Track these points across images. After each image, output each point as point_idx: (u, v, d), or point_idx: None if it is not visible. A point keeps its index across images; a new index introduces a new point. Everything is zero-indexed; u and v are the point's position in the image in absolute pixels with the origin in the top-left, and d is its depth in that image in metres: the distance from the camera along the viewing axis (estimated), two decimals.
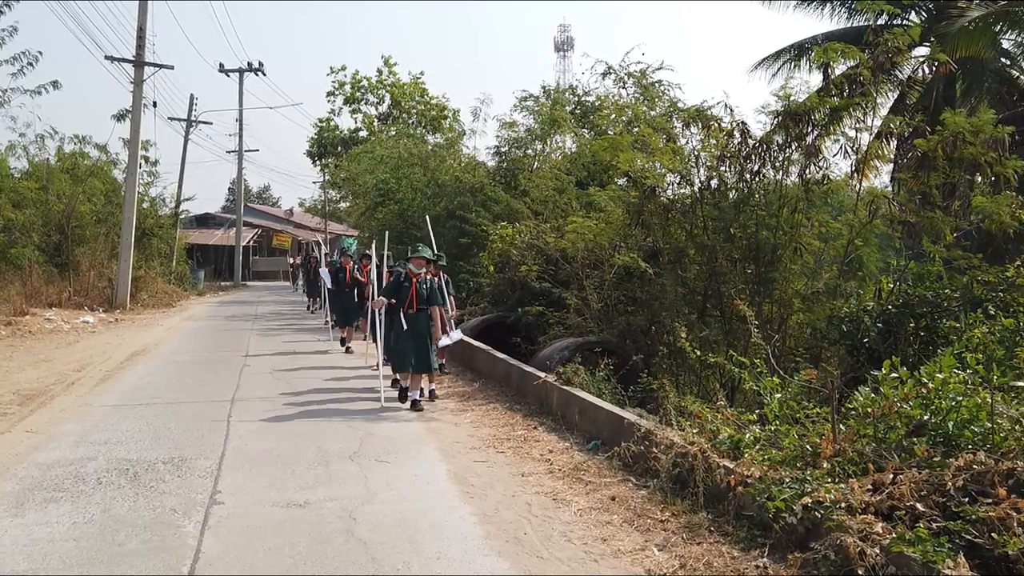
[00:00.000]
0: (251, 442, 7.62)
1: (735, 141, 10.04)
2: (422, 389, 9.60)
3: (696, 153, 10.49)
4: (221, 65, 39.33)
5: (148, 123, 24.41)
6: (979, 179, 10.27)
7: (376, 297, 10.12)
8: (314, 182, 53.83)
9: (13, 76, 23.15)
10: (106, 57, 24.07)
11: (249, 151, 45.09)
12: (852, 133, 10.11)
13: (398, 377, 9.84)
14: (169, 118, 37.66)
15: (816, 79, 17.08)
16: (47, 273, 23.59)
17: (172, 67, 25.06)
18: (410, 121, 38.91)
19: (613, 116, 18.26)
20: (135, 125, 23.92)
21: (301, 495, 5.97)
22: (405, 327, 9.33)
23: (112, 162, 29.74)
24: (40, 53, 23.14)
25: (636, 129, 13.79)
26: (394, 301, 9.41)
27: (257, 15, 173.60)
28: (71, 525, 5.33)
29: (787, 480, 4.88)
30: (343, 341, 14.91)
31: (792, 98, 9.90)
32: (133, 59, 23.64)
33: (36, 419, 8.72)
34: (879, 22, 14.28)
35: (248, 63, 40.02)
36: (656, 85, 18.16)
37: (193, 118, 37.25)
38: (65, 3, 57.56)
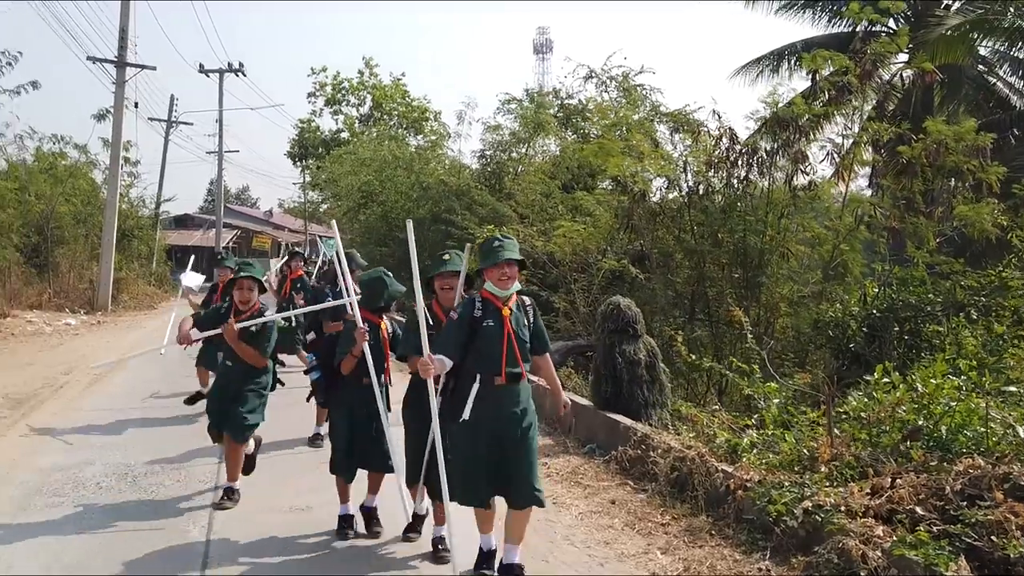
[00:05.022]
0: None
1: (723, 146, 10.18)
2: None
3: (684, 158, 10.63)
4: (201, 66, 39.04)
5: (129, 124, 24.29)
6: (959, 184, 10.46)
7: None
8: (294, 183, 53.63)
9: None
10: (88, 58, 23.99)
11: (229, 151, 44.90)
12: (838, 139, 10.34)
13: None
14: (149, 119, 37.47)
15: (797, 84, 17.35)
16: (26, 275, 23.37)
17: (154, 68, 24.96)
18: (391, 122, 38.86)
19: (599, 120, 18.44)
20: (117, 126, 23.75)
21: (301, 499, 6.02)
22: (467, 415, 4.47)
23: (92, 163, 29.52)
24: (20, 53, 22.99)
25: (619, 133, 13.95)
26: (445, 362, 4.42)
27: (238, 16, 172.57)
28: (76, 530, 5.36)
29: (786, 484, 4.99)
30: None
31: (780, 105, 10.08)
32: (115, 60, 23.48)
33: (29, 423, 8.68)
34: (858, 27, 14.52)
35: (228, 64, 39.75)
36: (638, 88, 18.36)
37: (173, 119, 37.01)
38: (48, 3, 56.52)
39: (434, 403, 4.40)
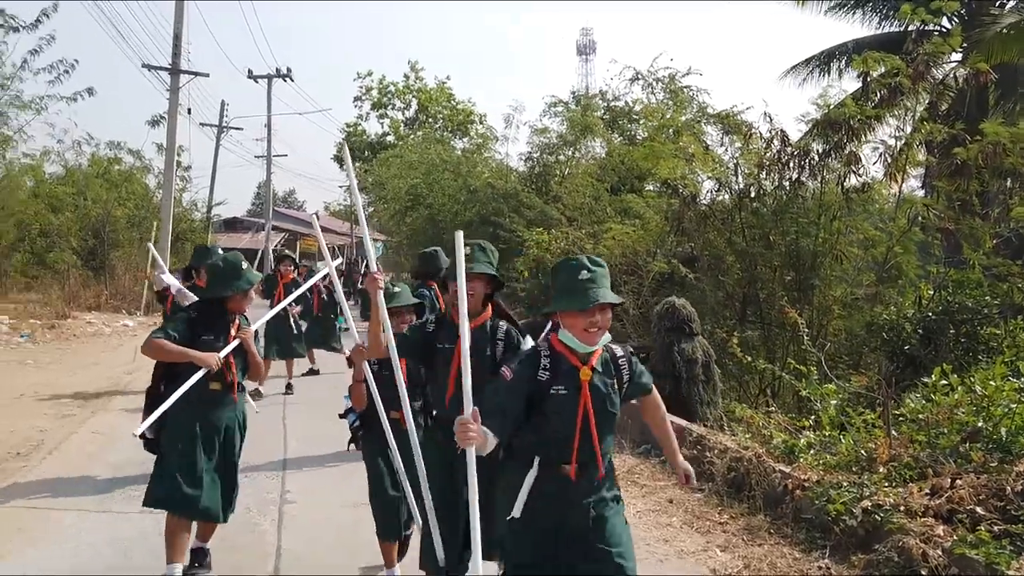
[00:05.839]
0: (307, 446, 7.86)
1: (774, 149, 10.20)
2: None
3: (735, 161, 10.67)
4: (250, 71, 39.71)
5: (182, 129, 24.76)
6: (1016, 185, 10.34)
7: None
8: (340, 186, 54.24)
9: (50, 83, 23.72)
10: (143, 65, 24.51)
11: (278, 156, 45.63)
12: (890, 141, 10.29)
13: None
14: (201, 124, 38.19)
15: (847, 85, 17.21)
16: (84, 277, 24.07)
17: (207, 75, 25.57)
18: (436, 126, 39.21)
19: (645, 122, 18.51)
20: (171, 132, 24.28)
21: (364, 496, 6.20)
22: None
23: (146, 167, 30.28)
24: (76, 61, 23.69)
25: (667, 135, 14.01)
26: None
27: (286, 22, 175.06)
28: (154, 522, 5.58)
29: (845, 484, 5.05)
30: None
31: (831, 106, 10.08)
32: (169, 67, 24.02)
33: (99, 420, 9.03)
34: (910, 28, 14.38)
35: (276, 69, 40.41)
36: (684, 90, 18.41)
37: (224, 124, 37.75)
38: (105, 6, 57.89)
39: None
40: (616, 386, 3.19)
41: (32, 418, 8.99)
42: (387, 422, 4.21)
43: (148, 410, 4.62)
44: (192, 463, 4.46)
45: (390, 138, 40.45)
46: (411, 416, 4.07)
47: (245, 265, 4.62)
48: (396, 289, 4.45)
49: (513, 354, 3.69)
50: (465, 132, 37.77)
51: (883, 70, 10.46)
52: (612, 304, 3.09)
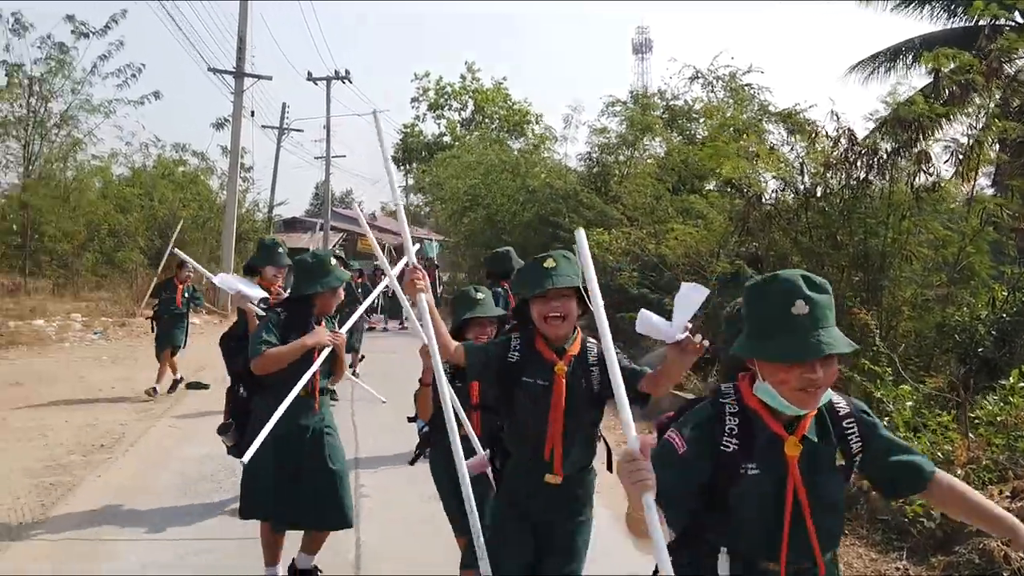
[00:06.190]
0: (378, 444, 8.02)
1: (842, 147, 10.09)
2: None
3: (801, 160, 10.58)
4: (309, 73, 40.32)
5: (244, 131, 25.15)
6: None
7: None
8: (398, 187, 54.84)
9: (119, 88, 24.51)
10: (209, 69, 25.09)
11: (336, 156, 46.29)
12: (962, 138, 10.09)
13: None
14: (262, 126, 38.97)
15: (914, 82, 16.87)
16: (150, 276, 24.75)
17: (270, 78, 25.97)
18: (492, 126, 39.44)
19: (705, 121, 18.38)
20: (235, 134, 24.86)
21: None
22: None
23: (209, 169, 31.04)
24: (143, 65, 24.45)
25: (726, 134, 13.91)
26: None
27: (344, 24, 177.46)
28: (233, 513, 5.78)
29: None
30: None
31: (900, 103, 9.93)
32: (234, 71, 24.57)
33: (176, 414, 9.32)
34: (981, 23, 14.07)
35: (335, 71, 40.96)
36: (745, 88, 18.26)
37: (285, 126, 38.47)
38: (170, 7, 59.46)
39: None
40: (839, 458, 2.19)
41: (112, 412, 9.34)
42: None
43: (232, 414, 4.62)
44: (280, 473, 4.25)
45: (447, 138, 40.82)
46: (458, 444, 3.20)
47: (334, 261, 4.42)
48: (479, 296, 3.93)
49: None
50: (521, 132, 37.93)
51: (953, 66, 10.28)
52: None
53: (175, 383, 10.90)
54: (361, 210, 7.98)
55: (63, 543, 5.22)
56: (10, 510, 5.83)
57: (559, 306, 3.05)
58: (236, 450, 4.51)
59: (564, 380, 3.08)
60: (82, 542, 5.25)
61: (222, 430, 4.57)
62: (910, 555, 4.72)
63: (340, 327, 4.53)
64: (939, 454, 5.42)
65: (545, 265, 3.05)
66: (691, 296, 2.48)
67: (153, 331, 11.33)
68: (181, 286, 11.27)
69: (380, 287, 8.05)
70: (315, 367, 4.18)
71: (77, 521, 5.63)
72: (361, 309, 5.54)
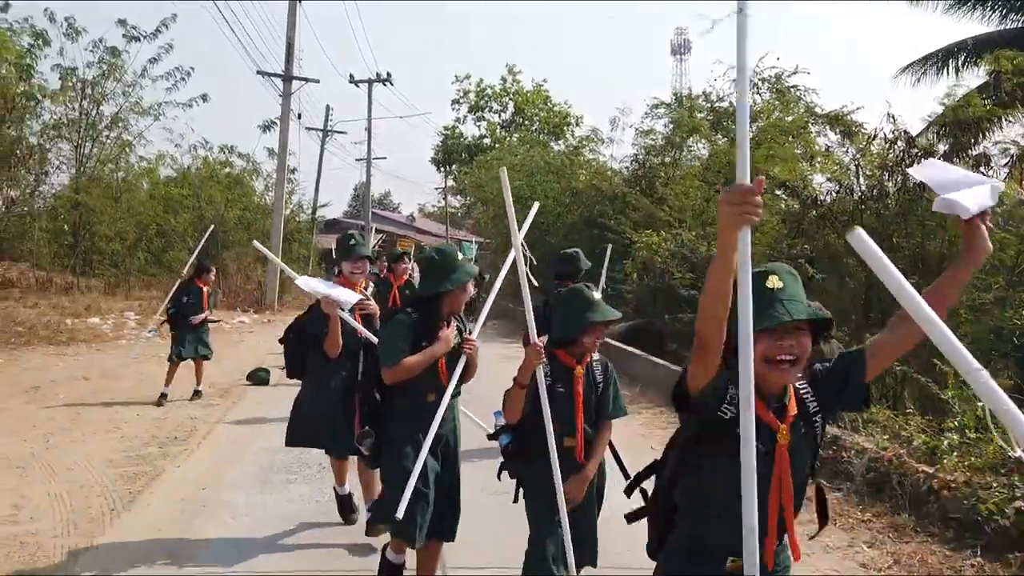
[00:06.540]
0: None
1: (897, 149, 10.09)
2: None
3: (856, 162, 10.58)
4: (351, 76, 40.74)
5: (291, 133, 25.38)
6: None
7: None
8: (436, 188, 55.12)
9: (168, 91, 24.99)
10: (258, 72, 25.50)
11: (377, 158, 46.62)
12: (1020, 140, 10.07)
13: None
14: (307, 128, 39.46)
15: (967, 84, 16.72)
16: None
17: (318, 81, 26.30)
18: (532, 128, 39.56)
19: (753, 123, 18.33)
20: (283, 136, 25.25)
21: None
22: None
23: (255, 170, 31.49)
24: (192, 69, 24.89)
25: (772, 137, 13.89)
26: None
27: (387, 27, 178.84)
28: (314, 503, 6.01)
29: (994, 485, 5.06)
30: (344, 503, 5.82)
31: (958, 106, 9.91)
32: (282, 73, 24.95)
33: (240, 410, 9.60)
34: None
35: (376, 74, 41.34)
36: (791, 90, 18.16)
37: (328, 128, 38.97)
38: (222, 7, 60.29)
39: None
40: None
41: (179, 407, 9.61)
42: (555, 451, 3.39)
43: (365, 420, 4.25)
44: (419, 481, 3.91)
45: (487, 140, 41.01)
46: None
47: (461, 256, 4.15)
48: (596, 296, 3.67)
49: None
50: (561, 134, 38.00)
51: (1011, 68, 10.23)
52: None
53: (163, 396, 9.92)
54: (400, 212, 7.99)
55: (154, 529, 5.43)
56: (99, 497, 6.08)
57: (793, 345, 2.23)
58: (372, 460, 4.38)
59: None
60: (170, 529, 5.46)
61: (361, 438, 4.22)
62: (984, 552, 4.77)
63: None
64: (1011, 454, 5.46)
65: (768, 285, 2.24)
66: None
67: (172, 331, 10.34)
68: (206, 289, 10.49)
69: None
70: (453, 383, 4.00)
71: (162, 507, 5.87)
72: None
